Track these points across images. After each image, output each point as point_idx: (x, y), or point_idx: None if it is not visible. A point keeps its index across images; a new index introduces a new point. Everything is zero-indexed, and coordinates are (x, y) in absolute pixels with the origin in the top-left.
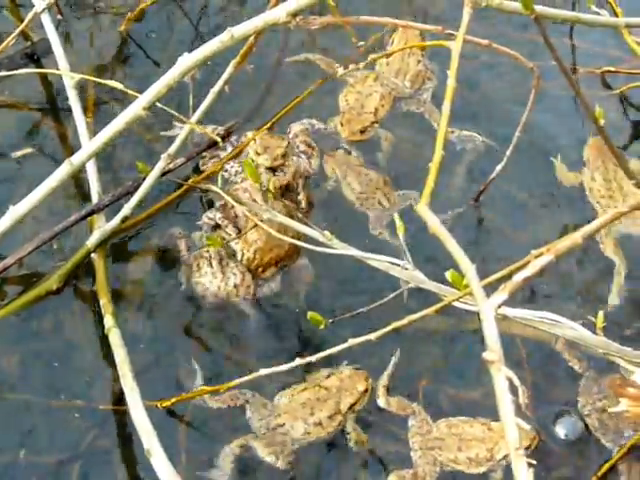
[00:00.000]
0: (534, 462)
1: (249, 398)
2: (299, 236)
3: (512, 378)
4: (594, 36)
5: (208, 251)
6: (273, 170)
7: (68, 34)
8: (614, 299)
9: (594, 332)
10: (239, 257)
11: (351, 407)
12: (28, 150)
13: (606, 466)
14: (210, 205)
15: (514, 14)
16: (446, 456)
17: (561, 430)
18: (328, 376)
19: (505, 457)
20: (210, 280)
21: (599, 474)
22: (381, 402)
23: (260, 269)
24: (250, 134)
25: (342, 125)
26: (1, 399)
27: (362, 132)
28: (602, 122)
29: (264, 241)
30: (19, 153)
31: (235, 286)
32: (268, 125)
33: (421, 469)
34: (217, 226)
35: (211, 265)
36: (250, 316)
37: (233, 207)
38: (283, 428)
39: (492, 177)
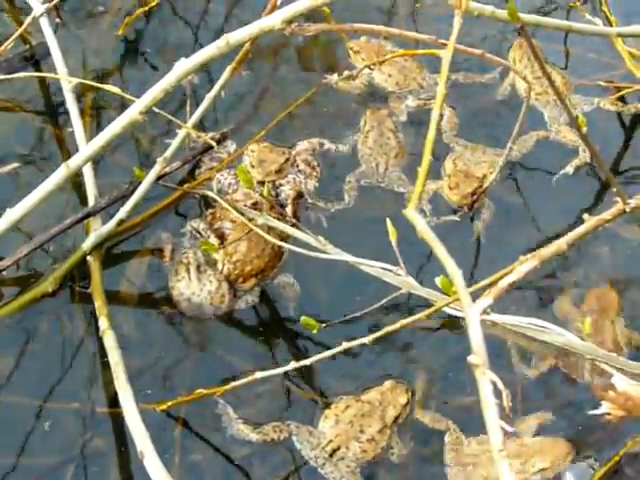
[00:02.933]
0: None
1: (293, 429)
2: (281, 248)
3: (496, 382)
4: (589, 43)
5: (187, 257)
6: (262, 184)
7: (66, 38)
8: (569, 169)
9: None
10: (220, 267)
11: (395, 420)
12: (15, 165)
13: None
14: (208, 209)
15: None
16: (479, 473)
17: (571, 477)
18: (367, 390)
19: (540, 471)
20: (186, 285)
21: None
22: (417, 414)
23: (241, 279)
24: (250, 143)
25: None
26: None
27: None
28: (585, 129)
29: (244, 252)
30: (6, 169)
31: (209, 293)
32: (256, 138)
33: None
34: (200, 235)
35: (188, 271)
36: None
37: (219, 218)
38: (340, 452)
39: (486, 186)
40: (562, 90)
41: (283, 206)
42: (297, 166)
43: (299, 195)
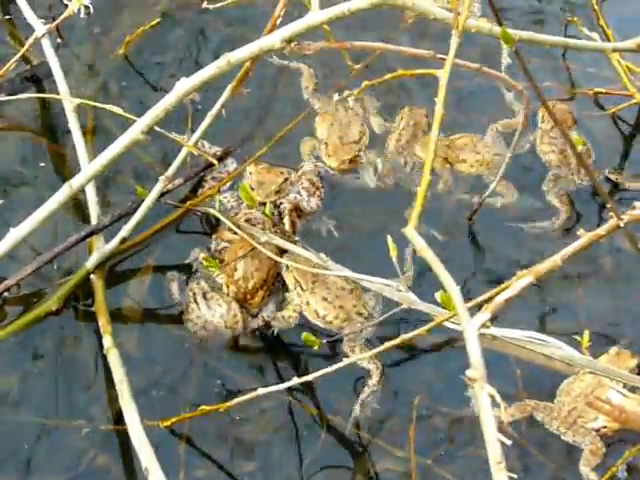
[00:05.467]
0: (515, 476)
1: None
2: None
3: (494, 395)
4: (588, 57)
5: (192, 289)
6: (263, 204)
7: (68, 57)
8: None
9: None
10: (225, 291)
11: None
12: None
13: None
14: (210, 227)
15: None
16: (589, 417)
17: None
18: None
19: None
20: (197, 315)
21: None
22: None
23: (248, 296)
24: (249, 162)
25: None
26: (1, 419)
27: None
28: (580, 148)
29: (243, 269)
30: None
31: (221, 316)
32: (253, 159)
33: (591, 447)
34: (202, 264)
35: (196, 302)
36: (239, 344)
37: (220, 239)
38: None
39: (485, 195)
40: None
41: (281, 218)
42: (301, 184)
43: (296, 208)
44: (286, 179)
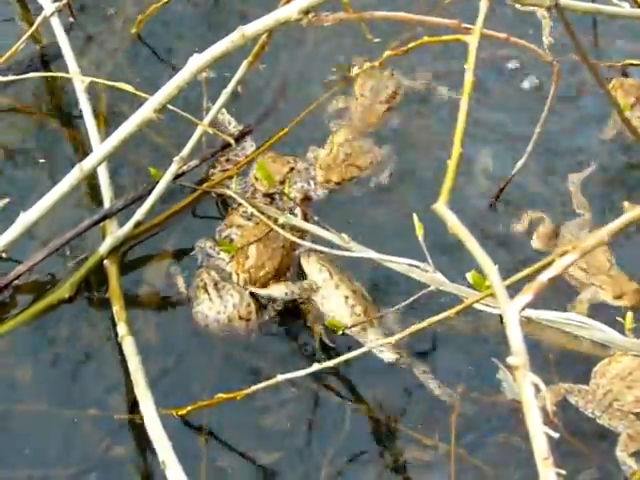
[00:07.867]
0: (564, 472)
1: None
2: (292, 246)
3: (538, 384)
4: (615, 29)
5: (202, 279)
6: (270, 196)
7: (79, 37)
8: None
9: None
10: (235, 279)
11: None
12: (6, 200)
13: None
14: (226, 210)
15: (534, 7)
16: (625, 400)
17: None
18: None
19: None
20: (209, 307)
21: None
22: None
23: (258, 285)
24: (260, 152)
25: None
26: (14, 409)
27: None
28: (628, 113)
29: (255, 257)
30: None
31: (234, 307)
32: (274, 140)
33: (630, 431)
34: (208, 255)
35: (207, 292)
36: (251, 337)
37: (228, 225)
38: None
39: (512, 174)
40: None
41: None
42: (310, 174)
43: (307, 197)
44: (292, 168)
